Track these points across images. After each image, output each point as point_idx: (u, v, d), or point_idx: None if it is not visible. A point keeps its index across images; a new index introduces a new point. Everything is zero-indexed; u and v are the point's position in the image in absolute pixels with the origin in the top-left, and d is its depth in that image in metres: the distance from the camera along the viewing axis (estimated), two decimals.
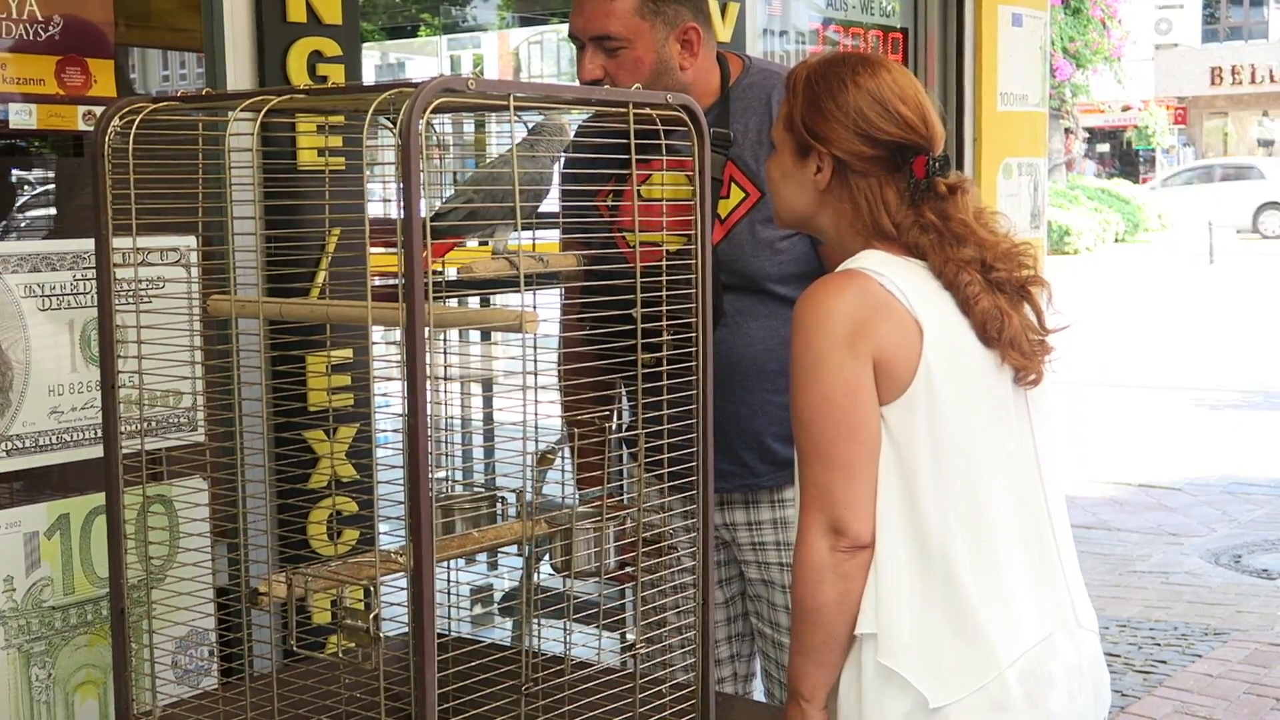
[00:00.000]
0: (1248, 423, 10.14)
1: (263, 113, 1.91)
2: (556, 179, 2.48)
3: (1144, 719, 4.76)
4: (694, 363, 2.07)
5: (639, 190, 2.28)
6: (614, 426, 2.80)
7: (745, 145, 2.59)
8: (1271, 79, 39.46)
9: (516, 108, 1.87)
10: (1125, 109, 37.21)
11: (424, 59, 14.30)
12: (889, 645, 1.98)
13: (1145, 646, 5.47)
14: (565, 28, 2.75)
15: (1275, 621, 5.74)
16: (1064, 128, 27.10)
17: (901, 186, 2.05)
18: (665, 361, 2.07)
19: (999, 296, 2.03)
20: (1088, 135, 37.75)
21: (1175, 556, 6.78)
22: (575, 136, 2.59)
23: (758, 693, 2.94)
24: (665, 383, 2.07)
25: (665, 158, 2.03)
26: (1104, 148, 41.92)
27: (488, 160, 2.66)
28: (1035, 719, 1.99)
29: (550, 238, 2.74)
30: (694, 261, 2.06)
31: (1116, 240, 26.79)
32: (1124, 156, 41.37)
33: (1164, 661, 5.30)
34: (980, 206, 2.10)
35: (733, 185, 2.59)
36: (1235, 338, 14.84)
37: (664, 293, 2.07)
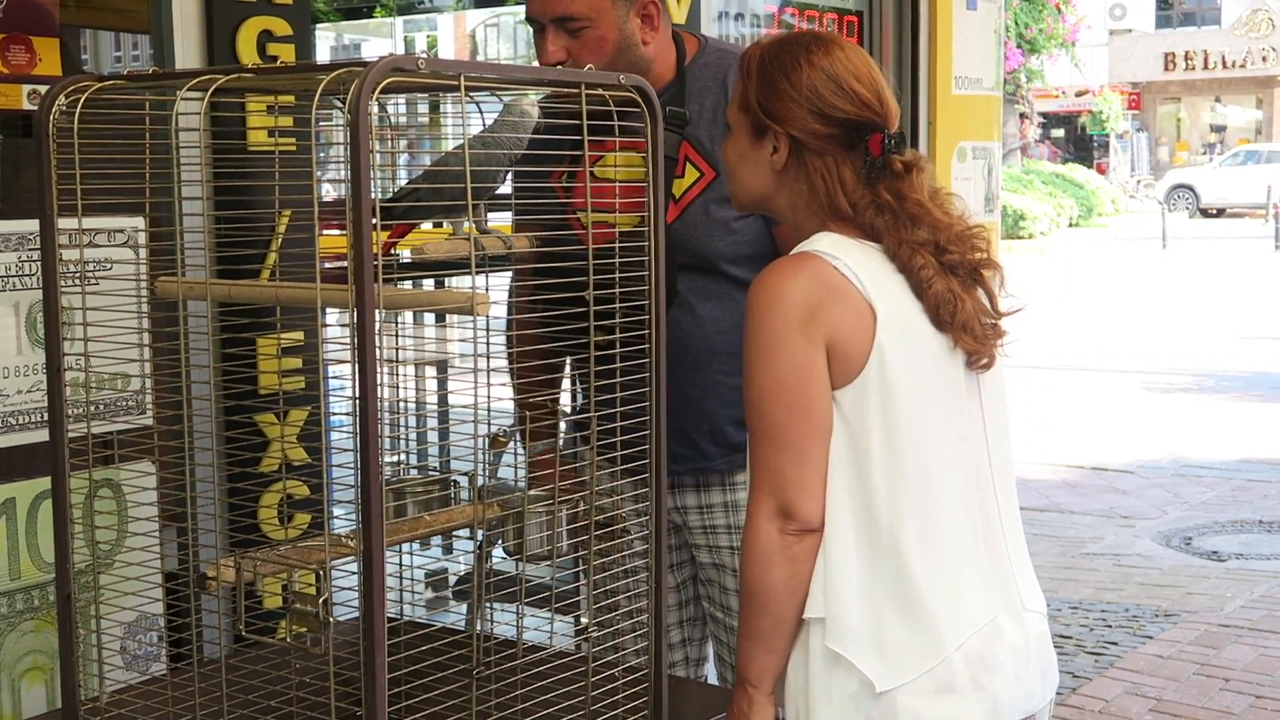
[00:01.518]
0: (1199, 406, 10.24)
1: (210, 92, 1.89)
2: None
3: (1095, 700, 4.80)
4: (647, 345, 2.06)
5: (592, 171, 2.27)
6: (565, 409, 2.79)
7: (700, 124, 2.58)
8: (1224, 64, 39.82)
9: (468, 88, 1.85)
10: (1080, 94, 37.43)
11: (379, 40, 14.22)
12: (836, 629, 1.98)
13: (1096, 628, 5.51)
14: (522, 10, 2.73)
15: (1225, 603, 5.80)
16: (1019, 112, 27.23)
17: (858, 164, 2.04)
18: (618, 344, 2.05)
19: (952, 280, 2.03)
20: (1042, 120, 37.95)
21: (1127, 539, 6.84)
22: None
23: (710, 676, 2.94)
24: (619, 365, 2.06)
25: (618, 139, 2.01)
26: (1059, 133, 42.15)
27: (444, 144, 2.65)
28: (981, 701, 2.00)
29: (506, 219, 2.72)
30: (646, 244, 2.04)
31: (1071, 225, 26.97)
32: (1078, 142, 41.61)
33: (1115, 643, 5.35)
34: (936, 187, 2.11)
35: (688, 164, 2.58)
36: (1186, 321, 14.97)
37: (616, 274, 2.05)
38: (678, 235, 2.56)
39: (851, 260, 1.99)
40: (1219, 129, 42.37)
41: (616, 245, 2.08)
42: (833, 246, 2.01)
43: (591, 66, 2.23)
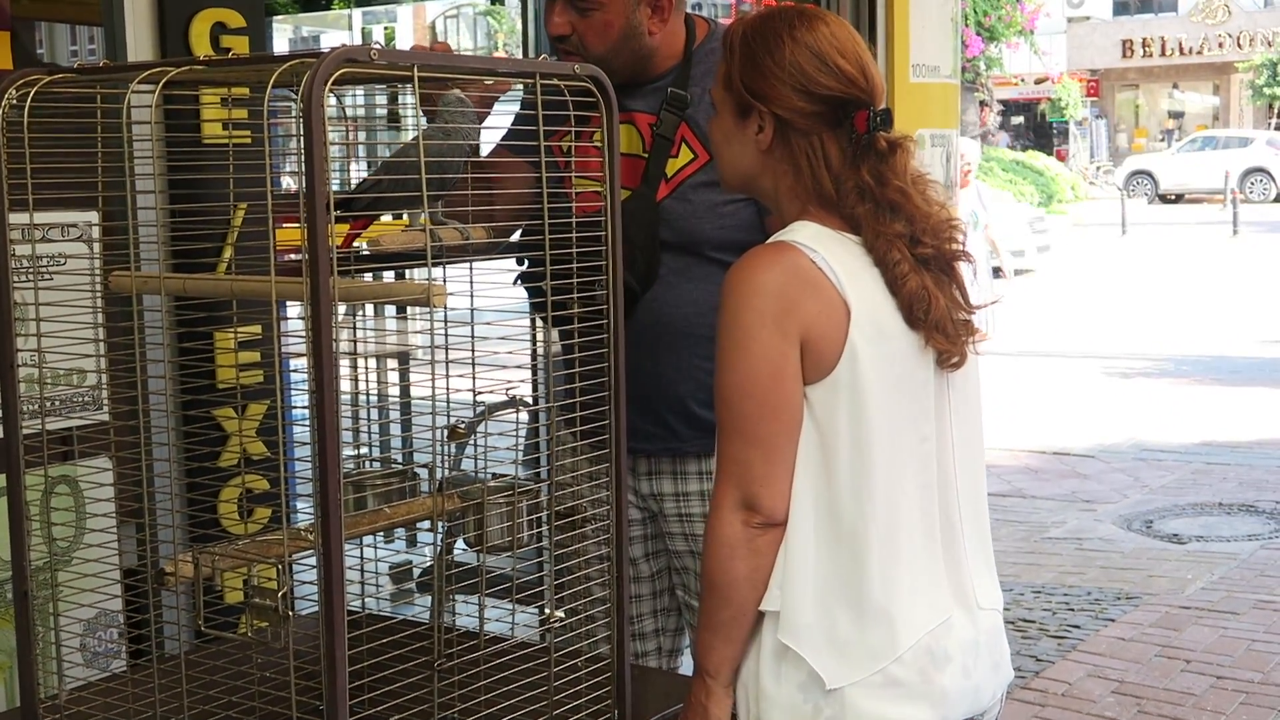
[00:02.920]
0: (1158, 390, 10.32)
1: (161, 84, 1.87)
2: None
3: (1058, 683, 4.83)
4: (605, 330, 2.05)
5: (586, 143, 2.25)
6: (526, 399, 2.79)
7: (701, 108, 2.58)
8: (1181, 51, 40.08)
9: (421, 79, 1.84)
10: (1039, 81, 37.58)
11: (337, 32, 14.13)
12: (790, 623, 1.97)
13: (1059, 612, 5.55)
14: (480, 1, 2.72)
15: (1185, 585, 5.85)
16: (979, 100, 27.32)
17: (844, 143, 2.01)
18: (578, 320, 2.05)
19: (925, 275, 2.00)
20: (1002, 108, 38.09)
21: (1088, 523, 6.89)
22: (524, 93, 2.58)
23: (685, 667, 2.93)
24: (577, 340, 2.05)
25: (573, 128, 2.01)
26: (1018, 120, 42.32)
27: (403, 135, 2.63)
28: (929, 695, 2.00)
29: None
30: (603, 233, 2.03)
31: None
32: (1038, 129, 41.78)
33: (1077, 626, 5.39)
34: (919, 172, 2.07)
35: (683, 145, 2.59)
36: (1145, 306, 15.07)
37: (609, 241, 2.03)
38: (666, 213, 2.57)
39: (829, 254, 1.97)
40: (1177, 115, 42.64)
41: (608, 217, 2.06)
42: (811, 238, 1.98)
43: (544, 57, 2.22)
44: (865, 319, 1.96)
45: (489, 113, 2.46)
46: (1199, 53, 39.88)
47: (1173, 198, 32.47)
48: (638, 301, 2.55)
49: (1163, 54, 40.52)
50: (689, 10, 2.72)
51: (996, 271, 9.79)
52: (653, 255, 2.56)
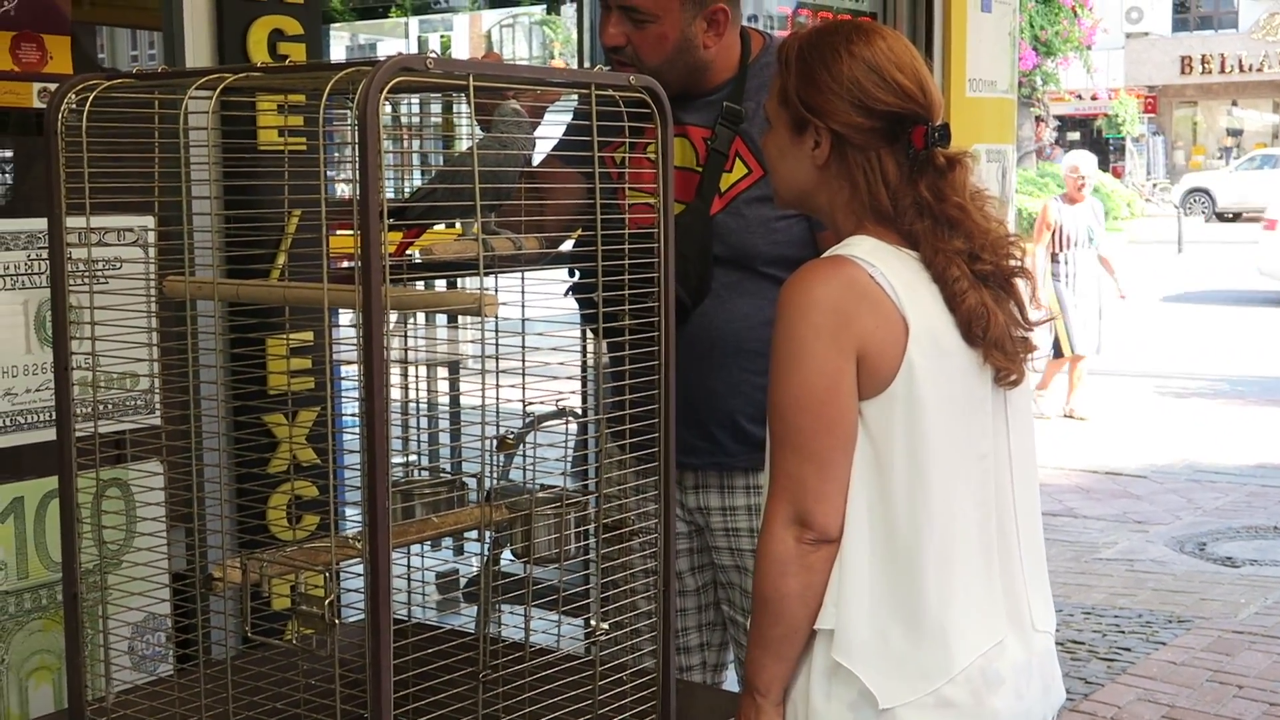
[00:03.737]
0: (1212, 411, 10.20)
1: (219, 90, 1.88)
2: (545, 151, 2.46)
3: (1108, 706, 4.78)
4: (656, 343, 2.04)
5: (642, 155, 2.25)
6: (575, 410, 2.78)
7: (756, 122, 2.57)
8: (1240, 68, 39.67)
9: (476, 88, 1.84)
10: (1095, 98, 37.32)
11: (393, 40, 14.22)
12: (844, 642, 1.95)
13: (1109, 634, 5.49)
14: (536, 11, 2.73)
15: (1239, 609, 5.77)
16: (1034, 115, 27.15)
17: (900, 159, 1.99)
18: (629, 332, 2.04)
19: (984, 292, 1.98)
20: (1058, 123, 37.85)
21: (1140, 544, 6.81)
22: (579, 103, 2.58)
23: (729, 683, 2.91)
24: (628, 353, 2.04)
25: (628, 139, 2.00)
26: (1074, 136, 42.04)
27: (457, 144, 2.63)
28: (980, 716, 1.98)
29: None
30: (656, 245, 2.03)
31: None
32: (1094, 145, 41.49)
33: (1128, 649, 5.32)
34: (977, 187, 2.05)
35: (737, 160, 2.58)
36: (1201, 326, 14.91)
37: (661, 255, 2.02)
38: (719, 228, 2.57)
39: (887, 269, 1.95)
40: (1235, 133, 42.21)
41: (662, 229, 2.05)
42: (869, 253, 1.97)
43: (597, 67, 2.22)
44: (923, 334, 1.94)
45: (540, 121, 2.46)
46: (1259, 70, 39.46)
47: (1230, 216, 32.14)
48: (689, 315, 2.54)
49: (1222, 71, 40.14)
50: (745, 24, 2.71)
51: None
52: (705, 269, 2.55)
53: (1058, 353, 9.66)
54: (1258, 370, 12.02)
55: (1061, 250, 9.54)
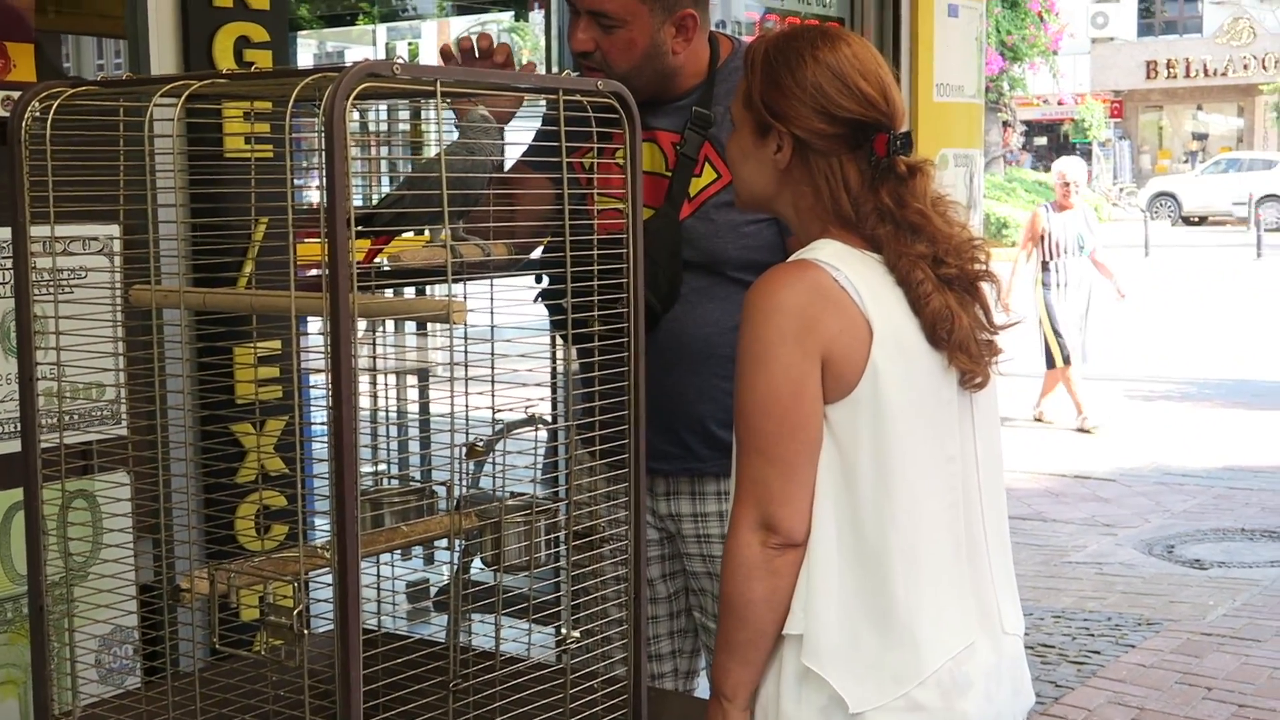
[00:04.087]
0: (1180, 413, 10.26)
1: (184, 97, 1.87)
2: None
3: (1078, 709, 4.79)
4: (625, 349, 2.04)
5: (610, 159, 2.25)
6: (545, 417, 2.78)
7: (724, 127, 2.57)
8: (1205, 73, 39.98)
9: (444, 94, 1.83)
10: (1062, 102, 37.55)
11: (361, 48, 14.19)
12: (814, 647, 1.95)
13: (1079, 637, 5.51)
14: (505, 18, 2.73)
15: (1207, 611, 5.80)
16: (1001, 120, 27.29)
17: (862, 166, 2.00)
18: (598, 338, 2.04)
19: (949, 295, 1.99)
20: (1025, 128, 38.05)
21: (1109, 547, 6.84)
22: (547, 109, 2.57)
23: (701, 689, 2.91)
24: (597, 359, 2.04)
25: (596, 144, 2.00)
26: (1041, 140, 42.26)
27: (426, 151, 2.62)
28: (950, 719, 1.98)
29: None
30: (625, 250, 2.02)
31: None
32: (1061, 149, 41.70)
33: (1098, 652, 5.34)
34: (939, 194, 2.05)
35: (706, 164, 2.58)
36: (1168, 329, 15.00)
37: (631, 261, 2.02)
38: (688, 232, 2.57)
39: (851, 272, 1.95)
40: (1201, 137, 42.52)
41: (633, 234, 2.05)
42: (833, 256, 1.97)
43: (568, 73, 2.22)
44: (888, 338, 1.94)
45: (504, 127, 2.45)
46: (1223, 74, 39.77)
47: (1196, 220, 32.37)
48: (659, 321, 2.54)
49: (1187, 75, 40.43)
50: (714, 29, 2.71)
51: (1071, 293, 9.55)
52: (675, 275, 2.55)
53: (1050, 363, 9.58)
54: (1224, 373, 12.09)
55: (1052, 258, 9.42)
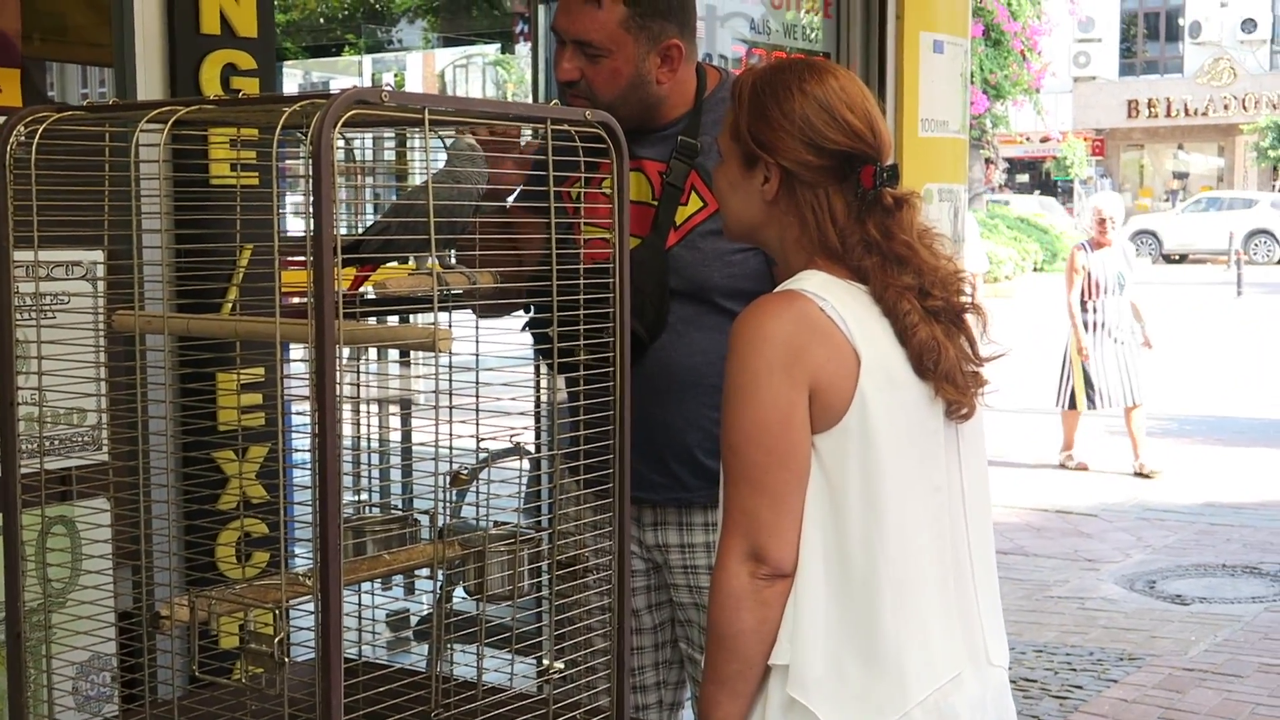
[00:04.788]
0: (1161, 449, 10.26)
1: (170, 123, 1.87)
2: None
3: None
4: (610, 381, 2.04)
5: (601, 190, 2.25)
6: (529, 446, 2.77)
7: (711, 156, 2.57)
8: (1186, 112, 40.24)
9: (432, 122, 1.83)
10: (1044, 140, 37.74)
11: (347, 79, 14.20)
12: (800, 677, 1.94)
13: (1061, 672, 5.50)
14: (490, 50, 2.73)
15: (1189, 647, 5.80)
16: (984, 157, 27.42)
17: (849, 198, 2.00)
18: (584, 367, 2.04)
19: (935, 326, 1.99)
20: (1008, 165, 38.22)
21: (1091, 582, 6.83)
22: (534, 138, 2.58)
23: None
24: (583, 388, 2.03)
25: (583, 174, 2.00)
26: (1024, 178, 42.45)
27: (409, 183, 2.62)
28: None
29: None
30: (611, 280, 2.02)
31: (1035, 269, 27.12)
32: (1043, 187, 41.90)
33: (1080, 687, 5.33)
34: (925, 226, 2.06)
35: (693, 193, 2.59)
36: (1150, 365, 15.03)
37: (615, 292, 2.02)
38: (675, 261, 2.57)
39: (838, 302, 1.96)
40: (1181, 176, 42.76)
41: (619, 264, 2.05)
42: (820, 286, 1.97)
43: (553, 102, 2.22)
44: (875, 367, 1.94)
45: (506, 154, 2.44)
46: (1204, 114, 40.03)
47: (1177, 258, 32.52)
48: (646, 350, 2.53)
49: (1168, 115, 40.69)
50: (701, 60, 2.72)
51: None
52: (661, 304, 2.55)
53: (1072, 404, 9.32)
54: (1206, 409, 12.13)
55: (1090, 298, 9.16)
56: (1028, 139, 36.83)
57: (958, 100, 4.78)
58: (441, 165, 2.19)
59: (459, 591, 2.33)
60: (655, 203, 2.59)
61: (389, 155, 2.89)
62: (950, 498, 2.04)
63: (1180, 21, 41.09)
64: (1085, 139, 40.12)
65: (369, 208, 2.83)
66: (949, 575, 2.03)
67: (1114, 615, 6.28)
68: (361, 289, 2.29)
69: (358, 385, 2.37)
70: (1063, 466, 9.52)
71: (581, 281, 2.02)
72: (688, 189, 2.59)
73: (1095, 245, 9.31)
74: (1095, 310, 9.21)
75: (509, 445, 2.25)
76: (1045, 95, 27.55)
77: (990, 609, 2.10)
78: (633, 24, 2.52)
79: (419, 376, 4.23)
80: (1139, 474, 9.26)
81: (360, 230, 2.47)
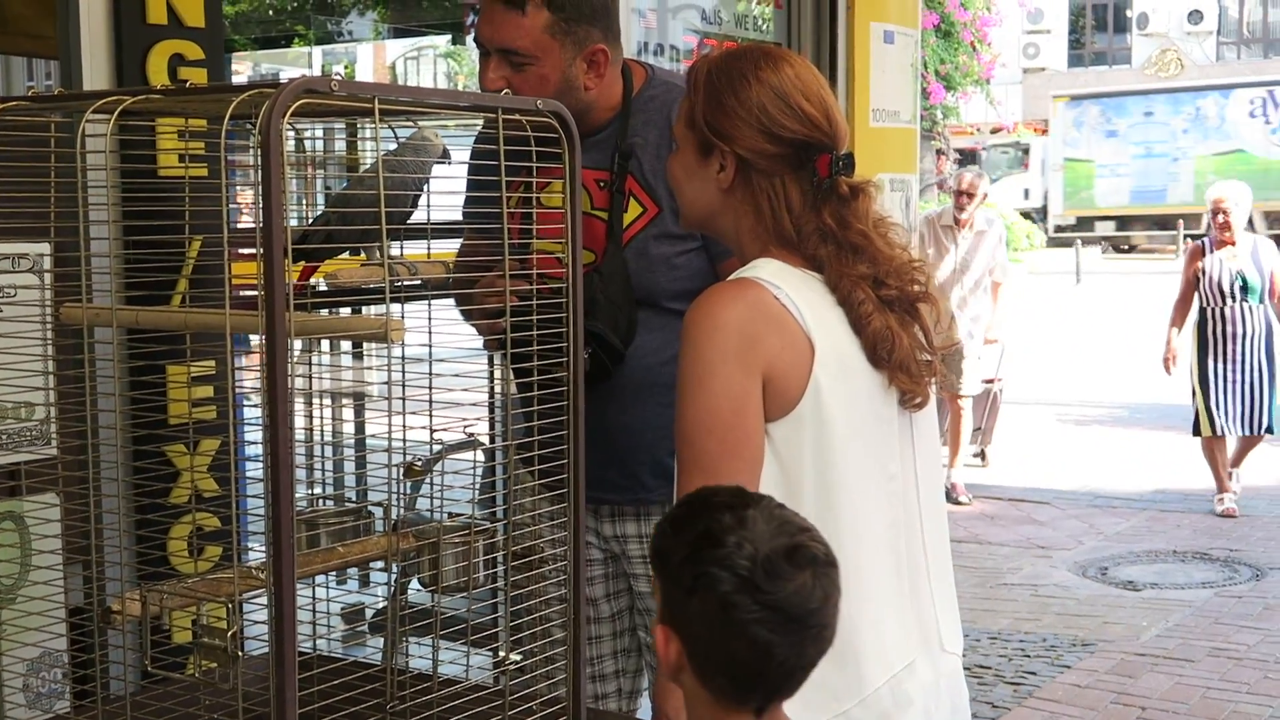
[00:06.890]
0: (1112, 437, 10.36)
1: (116, 113, 1.84)
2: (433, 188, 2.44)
3: None
4: (564, 384, 2.03)
5: (539, 198, 2.24)
6: (483, 439, 2.76)
7: (644, 159, 2.56)
8: None
9: (382, 111, 1.82)
10: (994, 130, 37.93)
11: (296, 70, 14.12)
12: None
13: (1015, 658, 5.54)
14: (441, 42, 2.71)
15: (1141, 632, 5.85)
16: (935, 149, 27.54)
17: (805, 186, 2.00)
18: (538, 371, 2.03)
19: (890, 316, 1.99)
20: (959, 156, 38.41)
21: (1044, 569, 6.88)
22: (475, 143, 2.56)
23: (644, 710, 2.89)
24: (539, 393, 2.03)
25: (535, 164, 1.99)
26: (974, 169, 42.65)
27: (360, 169, 2.61)
28: None
29: (420, 248, 2.69)
30: (565, 270, 2.02)
31: None
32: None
33: (1033, 673, 5.37)
34: (880, 215, 2.06)
35: (631, 199, 2.57)
36: (1099, 354, 15.17)
37: (570, 310, 2.01)
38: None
39: (793, 290, 1.95)
40: None
41: (572, 277, 2.04)
42: (774, 274, 1.97)
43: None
44: (829, 356, 1.94)
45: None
46: None
47: (1127, 248, 32.80)
48: (622, 360, 2.52)
49: None
50: (627, 57, 2.70)
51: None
52: (632, 313, 2.54)
53: (1195, 429, 8.07)
54: (1156, 397, 12.23)
55: (1207, 304, 7.90)
56: (979, 130, 37.03)
57: (909, 91, 4.80)
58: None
59: (414, 584, 2.32)
60: (596, 211, 2.57)
61: (340, 147, 2.87)
62: (904, 486, 2.04)
63: (1128, 13, 41.41)
64: (1036, 130, 40.35)
65: (319, 199, 2.82)
66: (903, 563, 2.03)
67: (1067, 602, 6.33)
68: (311, 280, 2.28)
69: (309, 377, 2.35)
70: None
71: (535, 287, 2.01)
72: (626, 194, 2.57)
73: (1217, 244, 7.94)
74: (1212, 319, 7.95)
75: (463, 438, 2.24)
76: (995, 86, 27.68)
77: (944, 596, 2.10)
78: (558, 29, 2.50)
79: (370, 368, 4.21)
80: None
81: (310, 222, 2.45)
